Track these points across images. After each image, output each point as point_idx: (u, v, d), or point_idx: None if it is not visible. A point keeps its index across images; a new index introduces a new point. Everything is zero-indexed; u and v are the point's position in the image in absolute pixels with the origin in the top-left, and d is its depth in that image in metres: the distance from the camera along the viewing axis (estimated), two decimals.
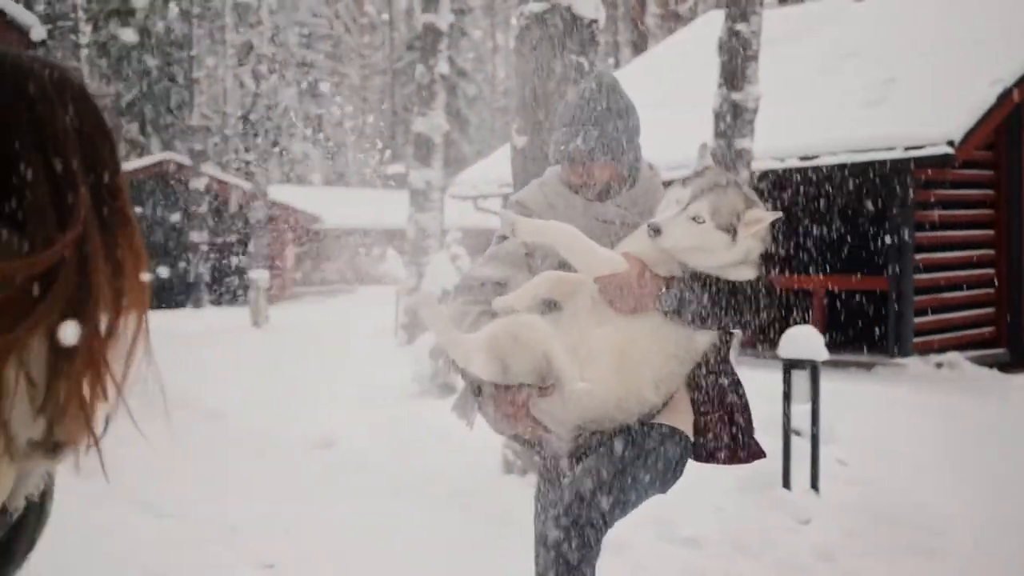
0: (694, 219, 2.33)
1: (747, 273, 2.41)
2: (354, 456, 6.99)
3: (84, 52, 34.62)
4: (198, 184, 23.53)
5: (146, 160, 25.34)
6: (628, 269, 2.37)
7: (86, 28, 34.74)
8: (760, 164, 10.33)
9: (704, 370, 2.52)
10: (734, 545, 4.77)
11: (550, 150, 2.66)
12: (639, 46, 25.25)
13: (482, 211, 16.17)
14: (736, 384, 2.59)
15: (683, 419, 2.55)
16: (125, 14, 36.23)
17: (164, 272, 23.52)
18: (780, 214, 2.39)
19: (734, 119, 9.06)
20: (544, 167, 5.65)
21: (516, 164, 5.89)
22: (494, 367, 2.37)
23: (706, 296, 2.35)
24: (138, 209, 24.56)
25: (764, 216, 2.34)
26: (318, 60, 42.57)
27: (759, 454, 2.64)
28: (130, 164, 25.61)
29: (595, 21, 5.79)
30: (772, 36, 13.07)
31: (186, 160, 24.38)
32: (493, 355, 2.37)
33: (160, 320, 16.02)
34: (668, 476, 2.50)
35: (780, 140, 10.76)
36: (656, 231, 2.33)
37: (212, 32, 36.36)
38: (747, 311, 2.39)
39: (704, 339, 2.46)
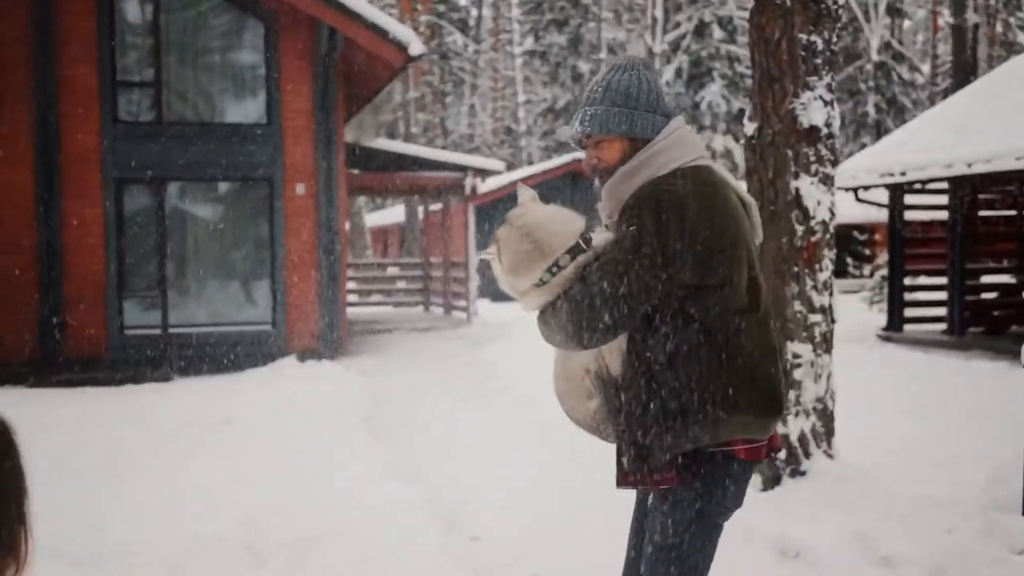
0: None
1: (530, 304, 2.48)
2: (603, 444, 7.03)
3: (518, 61, 37.42)
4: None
5: (559, 160, 26.92)
6: None
7: (523, 40, 37.49)
8: None
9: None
10: (932, 570, 4.22)
11: None
12: None
13: (863, 202, 15.24)
14: (635, 398, 2.38)
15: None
16: (561, 23, 38.72)
17: None
18: (491, 255, 2.47)
19: None
20: (776, 155, 5.36)
21: (747, 155, 5.60)
22: None
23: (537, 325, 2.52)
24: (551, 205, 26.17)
25: (489, 253, 2.48)
26: (742, 53, 42.10)
27: (652, 480, 2.39)
28: (547, 164, 27.38)
29: None
30: None
31: None
32: None
33: None
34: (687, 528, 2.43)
35: None
36: None
37: (641, 33, 37.60)
38: (548, 336, 2.45)
39: (576, 358, 2.50)
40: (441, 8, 40.01)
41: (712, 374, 2.32)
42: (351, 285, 24.11)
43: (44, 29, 11.49)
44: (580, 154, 27.18)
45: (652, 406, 2.34)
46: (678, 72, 38.30)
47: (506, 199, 25.96)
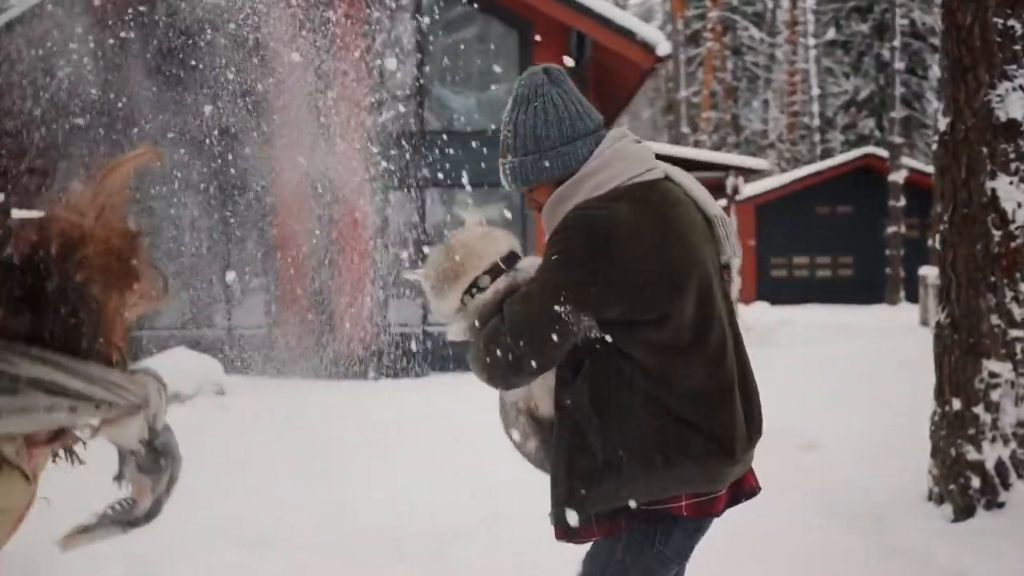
0: None
1: (455, 331, 2.29)
2: (815, 461, 6.70)
3: (812, 53, 35.88)
4: (897, 177, 23.01)
5: (849, 155, 25.61)
6: None
7: (822, 30, 35.95)
8: None
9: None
10: None
11: None
12: None
13: None
14: (559, 447, 2.17)
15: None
16: (864, 11, 36.71)
17: (852, 268, 23.61)
18: (418, 275, 2.33)
19: None
20: (968, 153, 4.90)
21: (938, 153, 5.13)
22: None
23: None
24: (840, 206, 25.03)
25: (416, 273, 2.34)
26: None
27: (577, 536, 2.19)
28: (834, 160, 26.14)
29: None
30: None
31: (884, 153, 24.02)
32: None
33: (833, 314, 16.72)
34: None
35: None
36: None
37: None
38: (472, 368, 2.21)
39: (508, 395, 2.34)
40: (734, 2, 39.19)
41: (643, 422, 2.07)
42: None
43: (316, 48, 12.54)
44: (872, 149, 25.71)
45: (577, 457, 2.12)
46: None
47: (789, 196, 25.09)
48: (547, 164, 2.20)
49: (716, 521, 5.29)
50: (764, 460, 6.82)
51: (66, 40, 12.09)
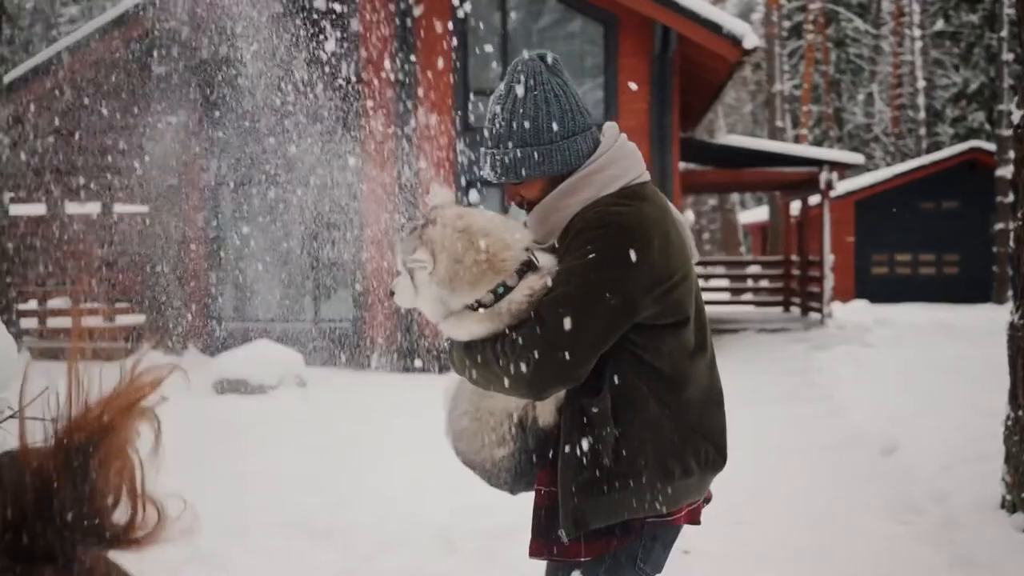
0: (399, 273, 2.08)
1: (463, 329, 2.03)
2: (893, 465, 6.51)
3: (917, 45, 34.73)
4: (1004, 172, 22.10)
5: (954, 149, 24.72)
6: None
7: (928, 22, 34.78)
8: None
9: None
10: None
11: None
12: None
13: None
14: (571, 457, 2.01)
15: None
16: (973, 0, 35.40)
17: (957, 265, 22.76)
18: (423, 261, 1.98)
19: None
20: None
21: (1015, 145, 4.93)
22: None
23: (454, 354, 2.10)
24: (944, 202, 24.23)
25: (420, 259, 1.97)
26: None
27: (569, 553, 2.08)
28: (938, 154, 25.29)
29: None
30: None
31: (991, 147, 23.11)
32: None
33: (935, 313, 16.25)
34: None
35: None
36: (391, 293, 2.11)
37: None
38: (479, 372, 2.01)
39: (497, 400, 2.11)
40: None
41: (663, 430, 2.00)
42: (722, 283, 23.95)
43: (405, 44, 12.71)
44: (979, 142, 24.79)
45: (591, 468, 1.99)
46: None
47: (891, 192, 24.35)
48: (547, 159, 2.08)
49: (780, 522, 5.16)
50: (842, 463, 6.74)
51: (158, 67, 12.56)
